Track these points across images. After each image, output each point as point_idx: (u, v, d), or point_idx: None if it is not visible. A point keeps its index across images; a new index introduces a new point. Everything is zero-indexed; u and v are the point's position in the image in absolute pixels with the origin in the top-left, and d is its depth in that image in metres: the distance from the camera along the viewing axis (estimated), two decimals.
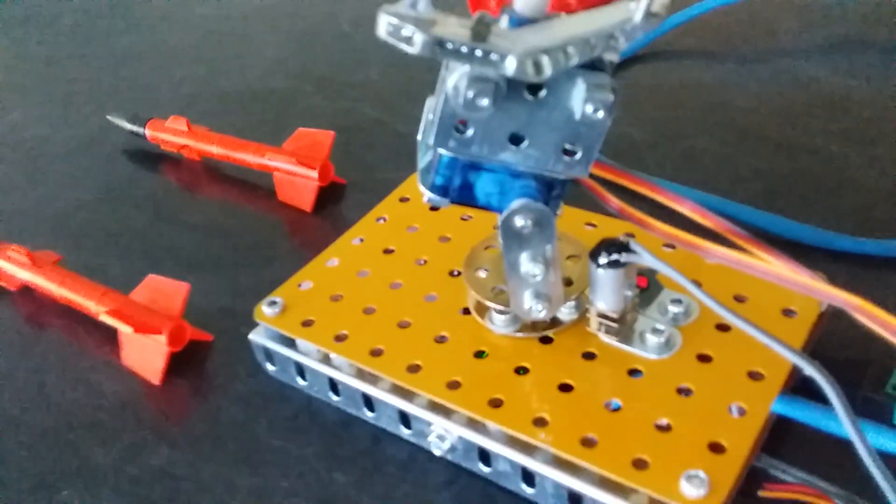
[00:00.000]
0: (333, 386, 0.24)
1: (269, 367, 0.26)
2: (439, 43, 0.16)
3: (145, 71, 0.47)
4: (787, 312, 0.23)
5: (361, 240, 0.28)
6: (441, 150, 0.19)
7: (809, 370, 0.18)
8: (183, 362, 0.27)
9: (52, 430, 0.26)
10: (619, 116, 0.18)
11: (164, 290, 0.27)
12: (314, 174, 0.33)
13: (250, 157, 0.34)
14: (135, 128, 0.38)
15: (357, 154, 0.36)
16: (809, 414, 0.20)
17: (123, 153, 0.39)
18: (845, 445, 0.18)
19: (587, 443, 0.20)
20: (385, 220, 0.29)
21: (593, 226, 0.27)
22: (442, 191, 0.21)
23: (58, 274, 0.29)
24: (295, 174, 0.33)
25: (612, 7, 0.18)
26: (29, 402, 0.27)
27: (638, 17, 0.17)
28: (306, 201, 0.33)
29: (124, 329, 0.26)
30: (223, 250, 0.32)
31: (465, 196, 0.21)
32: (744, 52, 0.40)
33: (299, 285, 0.26)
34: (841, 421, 0.17)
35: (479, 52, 0.16)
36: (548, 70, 0.16)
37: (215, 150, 0.36)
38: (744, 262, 0.19)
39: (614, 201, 0.21)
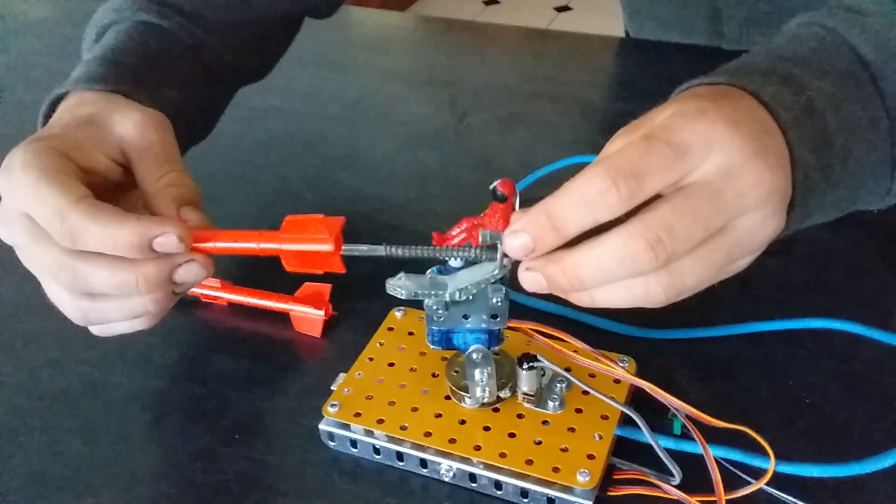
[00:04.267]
0: (376, 450, 0.42)
1: (330, 443, 0.43)
2: (414, 293, 0.38)
3: None
4: (616, 381, 0.43)
5: (371, 359, 0.46)
6: (431, 327, 0.39)
7: (627, 411, 0.38)
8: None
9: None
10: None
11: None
12: (321, 312, 0.51)
13: (274, 303, 0.52)
14: None
15: (336, 293, 0.54)
16: (632, 433, 0.41)
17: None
18: (651, 448, 0.38)
19: (528, 462, 0.39)
20: (382, 343, 0.47)
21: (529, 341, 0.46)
22: (435, 344, 0.40)
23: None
24: (307, 313, 0.51)
25: (482, 266, 0.38)
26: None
27: (497, 273, 0.37)
28: (316, 330, 0.51)
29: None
30: (270, 368, 0.49)
31: (447, 345, 0.40)
32: None
33: (343, 391, 0.44)
34: (646, 434, 0.38)
35: (432, 293, 0.38)
36: (461, 299, 0.38)
37: (252, 300, 0.52)
38: (582, 360, 0.39)
39: (524, 328, 0.41)
